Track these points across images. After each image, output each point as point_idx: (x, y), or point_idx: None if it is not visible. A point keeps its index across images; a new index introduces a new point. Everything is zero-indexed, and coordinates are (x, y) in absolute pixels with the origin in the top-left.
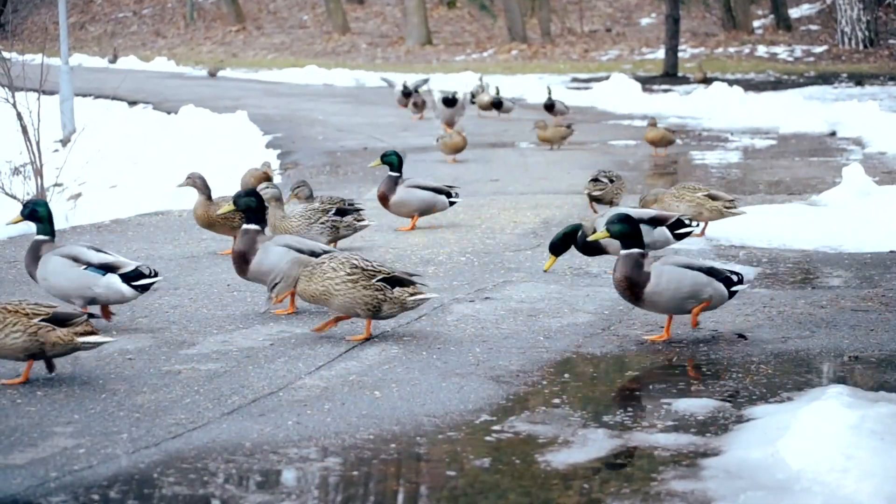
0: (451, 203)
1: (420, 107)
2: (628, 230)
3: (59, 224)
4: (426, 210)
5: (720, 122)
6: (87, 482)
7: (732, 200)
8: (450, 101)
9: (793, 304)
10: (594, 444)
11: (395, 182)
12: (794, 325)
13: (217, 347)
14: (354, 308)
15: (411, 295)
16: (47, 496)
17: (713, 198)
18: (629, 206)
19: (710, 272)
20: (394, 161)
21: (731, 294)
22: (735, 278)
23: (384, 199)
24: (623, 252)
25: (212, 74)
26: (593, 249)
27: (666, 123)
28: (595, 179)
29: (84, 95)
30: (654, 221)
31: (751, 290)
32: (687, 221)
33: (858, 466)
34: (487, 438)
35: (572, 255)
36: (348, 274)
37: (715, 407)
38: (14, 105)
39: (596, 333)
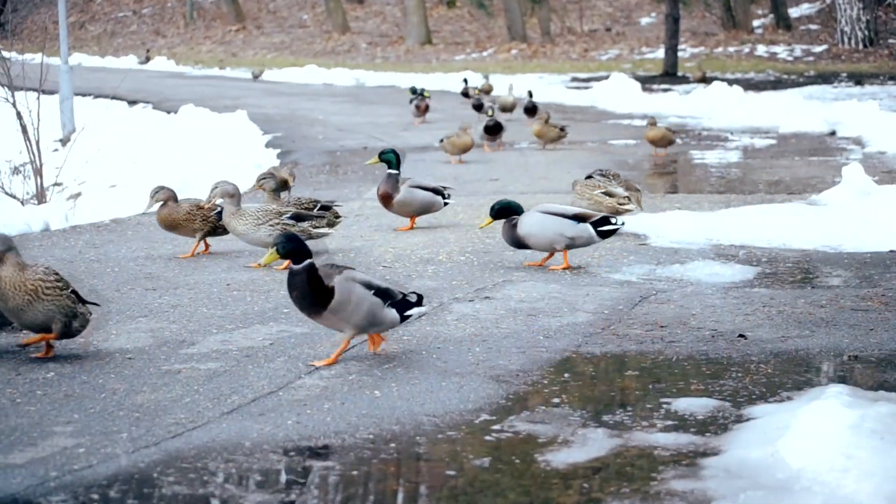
0: (445, 203)
1: (422, 110)
2: (295, 247)
3: (58, 224)
4: (425, 210)
5: (720, 121)
6: (87, 481)
7: (626, 197)
8: (492, 129)
9: (792, 304)
10: (594, 444)
11: (396, 181)
12: (794, 325)
13: (217, 347)
14: (52, 317)
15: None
16: (47, 496)
17: (609, 195)
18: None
19: (386, 294)
20: (392, 159)
21: (404, 318)
22: (414, 298)
23: (387, 199)
24: (295, 267)
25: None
26: (517, 243)
27: (666, 123)
28: (589, 177)
29: (84, 95)
30: (578, 218)
31: (750, 289)
32: (613, 220)
33: (858, 466)
34: (487, 438)
35: (572, 255)
36: (57, 279)
37: (714, 406)
38: (14, 104)
39: (596, 333)
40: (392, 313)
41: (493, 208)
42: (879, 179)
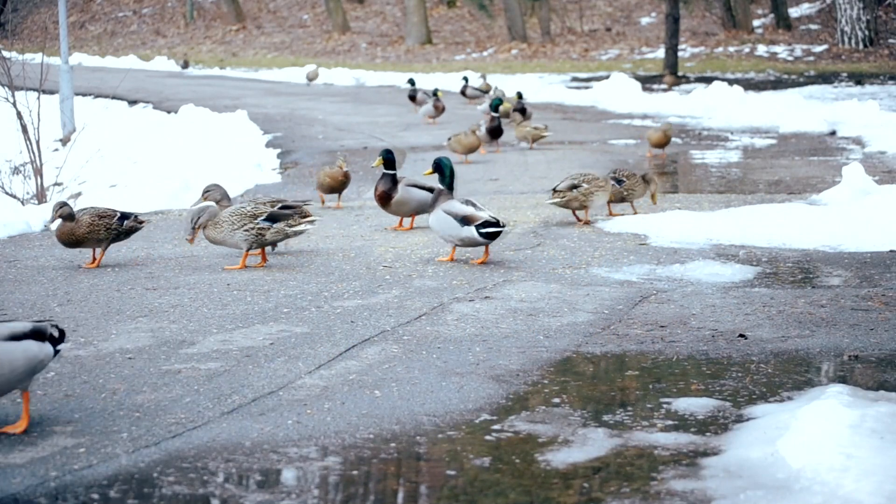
0: None
1: (439, 110)
2: None
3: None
4: (421, 209)
5: (720, 121)
6: (87, 481)
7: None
8: (495, 132)
9: (793, 304)
10: (594, 444)
11: (393, 180)
12: (794, 325)
13: (217, 347)
14: None
15: None
16: (47, 495)
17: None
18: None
19: (37, 335)
20: (391, 158)
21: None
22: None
23: (387, 198)
24: None
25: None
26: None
27: (665, 123)
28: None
29: (84, 95)
30: (465, 220)
31: (750, 289)
32: (494, 220)
33: (858, 465)
34: (487, 437)
35: (572, 253)
36: None
37: (715, 406)
38: (14, 104)
39: (596, 333)
40: (50, 351)
41: (444, 169)
42: (880, 179)
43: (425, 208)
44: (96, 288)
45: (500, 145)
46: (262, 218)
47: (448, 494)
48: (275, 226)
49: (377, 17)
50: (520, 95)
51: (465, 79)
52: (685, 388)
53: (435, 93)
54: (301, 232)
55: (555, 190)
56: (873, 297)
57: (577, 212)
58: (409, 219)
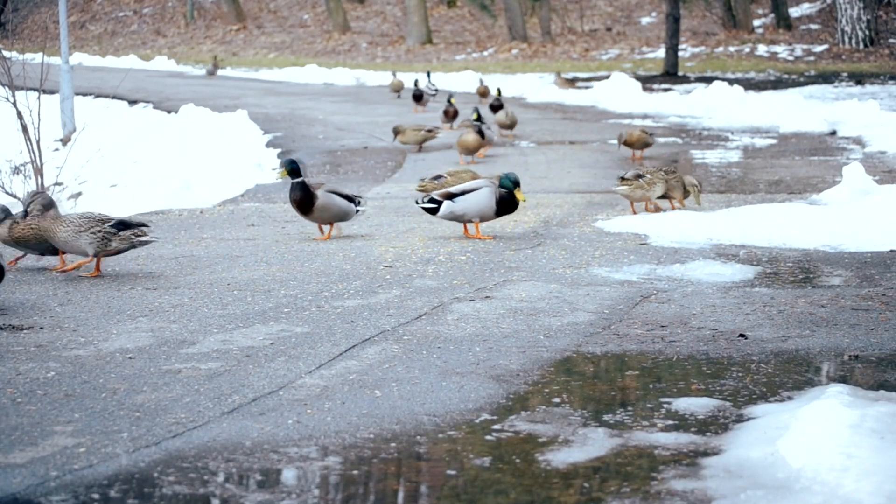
0: (357, 211)
1: (451, 115)
2: None
3: None
4: (343, 217)
5: (720, 121)
6: (88, 481)
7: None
8: (483, 134)
9: (793, 303)
10: (594, 443)
11: (306, 186)
12: (795, 324)
13: (217, 346)
14: None
15: None
16: (47, 495)
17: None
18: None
19: None
20: (295, 168)
21: None
22: None
23: (308, 204)
24: None
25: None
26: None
27: (666, 122)
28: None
29: (84, 94)
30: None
31: (750, 289)
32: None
33: (858, 465)
34: (487, 437)
35: (572, 253)
36: None
37: (715, 406)
38: (14, 104)
39: (596, 332)
40: None
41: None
42: (880, 179)
43: (345, 216)
44: (96, 288)
45: (492, 144)
46: (111, 224)
47: (448, 494)
48: (121, 233)
49: (377, 17)
50: (499, 91)
51: (428, 74)
52: (685, 388)
53: (448, 99)
54: (146, 243)
55: (622, 178)
56: (874, 297)
57: (636, 204)
58: (328, 227)
